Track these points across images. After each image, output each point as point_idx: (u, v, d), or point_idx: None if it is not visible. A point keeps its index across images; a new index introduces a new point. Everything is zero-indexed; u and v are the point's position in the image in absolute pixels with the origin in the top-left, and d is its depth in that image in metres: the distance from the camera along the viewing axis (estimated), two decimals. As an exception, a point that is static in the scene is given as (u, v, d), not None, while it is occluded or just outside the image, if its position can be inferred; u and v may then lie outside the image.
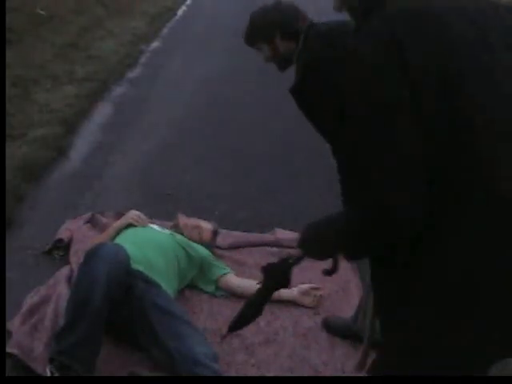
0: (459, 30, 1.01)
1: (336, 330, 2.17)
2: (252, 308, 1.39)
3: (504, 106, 1.00)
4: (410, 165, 0.94)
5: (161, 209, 3.03)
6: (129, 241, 2.25)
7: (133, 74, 5.95)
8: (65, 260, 2.52)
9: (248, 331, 2.17)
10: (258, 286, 1.36)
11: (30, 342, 1.97)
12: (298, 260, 1.31)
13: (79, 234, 2.68)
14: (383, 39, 0.98)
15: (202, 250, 2.46)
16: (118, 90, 5.33)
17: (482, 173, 0.96)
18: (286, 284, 1.33)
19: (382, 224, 0.97)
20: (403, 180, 0.94)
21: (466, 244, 0.98)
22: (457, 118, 0.96)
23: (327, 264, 1.33)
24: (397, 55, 0.96)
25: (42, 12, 7.32)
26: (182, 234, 2.52)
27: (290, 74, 1.96)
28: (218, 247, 2.71)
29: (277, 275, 1.33)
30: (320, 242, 1.18)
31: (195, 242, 2.49)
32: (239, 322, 1.43)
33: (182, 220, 2.62)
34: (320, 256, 1.24)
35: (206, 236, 2.56)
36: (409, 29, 0.98)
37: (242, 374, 1.97)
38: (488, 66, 1.00)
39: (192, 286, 2.42)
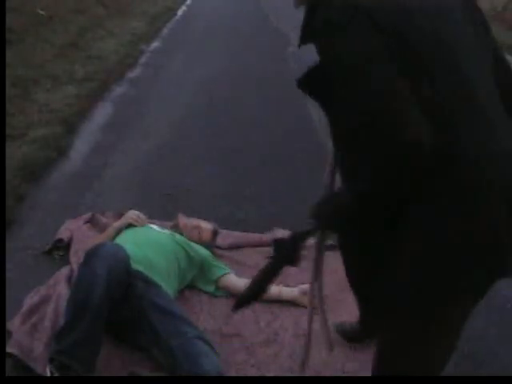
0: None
1: (351, 335, 2.15)
2: (258, 284, 1.37)
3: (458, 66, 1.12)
4: (407, 98, 1.02)
5: (161, 209, 3.03)
6: (129, 241, 2.25)
7: (133, 74, 5.95)
8: (65, 260, 2.52)
9: (248, 331, 2.18)
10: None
11: (30, 341, 1.97)
12: (309, 234, 1.29)
13: (79, 233, 2.67)
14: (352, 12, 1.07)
15: (202, 250, 2.46)
16: (118, 90, 5.34)
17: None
18: (294, 261, 1.31)
19: (399, 155, 1.01)
20: (405, 110, 1.01)
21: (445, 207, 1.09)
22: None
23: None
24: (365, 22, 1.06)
25: (42, 12, 7.32)
26: (182, 234, 2.52)
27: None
28: (218, 247, 2.71)
29: (286, 250, 1.31)
30: (334, 207, 1.22)
31: (195, 242, 2.49)
32: (246, 298, 1.41)
33: (182, 220, 2.62)
34: (333, 224, 1.26)
35: (206, 236, 2.56)
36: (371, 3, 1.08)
37: (242, 373, 1.97)
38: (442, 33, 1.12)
39: (192, 286, 2.42)
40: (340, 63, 1.07)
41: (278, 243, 1.32)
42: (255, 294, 1.40)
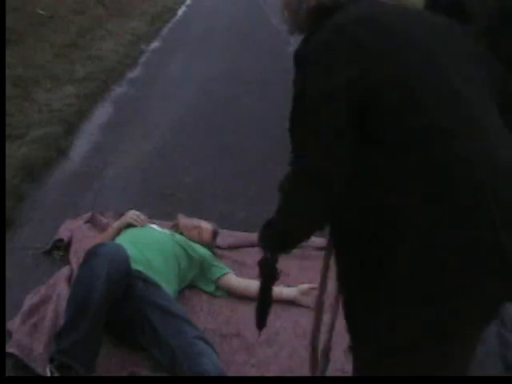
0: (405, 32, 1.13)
1: None
2: (261, 305, 1.47)
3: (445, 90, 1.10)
4: (334, 136, 1.08)
5: (161, 209, 3.03)
6: (128, 241, 2.25)
7: (133, 73, 5.95)
8: (65, 260, 2.51)
9: (248, 331, 2.17)
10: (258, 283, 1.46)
11: (30, 342, 1.97)
12: (272, 255, 1.42)
13: (79, 233, 2.67)
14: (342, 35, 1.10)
15: (202, 250, 2.46)
16: (118, 90, 5.34)
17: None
18: (275, 276, 1.45)
19: (310, 182, 1.14)
20: (326, 146, 1.09)
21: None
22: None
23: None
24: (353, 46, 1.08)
25: (42, 12, 7.33)
26: (182, 234, 2.52)
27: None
28: (218, 247, 2.70)
29: (265, 270, 1.45)
30: (269, 230, 1.33)
31: (195, 242, 2.49)
32: (260, 319, 1.48)
33: (182, 220, 2.62)
34: (274, 246, 1.39)
35: (206, 236, 2.56)
36: (364, 30, 1.10)
37: (242, 374, 1.97)
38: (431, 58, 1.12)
39: (192, 286, 2.42)
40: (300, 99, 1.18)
41: (262, 264, 1.46)
42: (263, 312, 1.47)
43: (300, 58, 1.16)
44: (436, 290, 1.03)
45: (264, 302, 1.45)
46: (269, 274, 1.42)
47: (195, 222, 2.61)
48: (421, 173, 1.03)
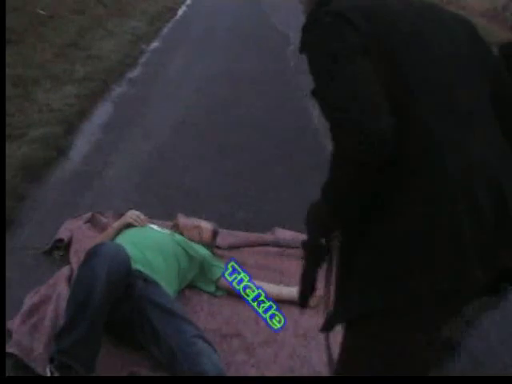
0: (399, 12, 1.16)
1: None
2: (305, 288, 1.38)
3: (434, 68, 1.13)
4: (376, 95, 1.02)
5: (161, 209, 3.03)
6: (128, 241, 2.25)
7: (133, 73, 5.95)
8: (65, 260, 2.51)
9: (248, 331, 2.18)
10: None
11: (30, 342, 1.97)
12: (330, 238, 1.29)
13: (79, 233, 2.67)
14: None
15: (202, 250, 2.46)
16: (118, 90, 5.33)
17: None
18: (323, 258, 1.32)
19: (360, 150, 1.00)
20: (374, 106, 1.01)
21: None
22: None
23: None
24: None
25: (42, 12, 7.33)
26: (182, 234, 2.51)
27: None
28: (218, 247, 2.70)
29: (319, 253, 1.32)
30: (315, 215, 1.22)
31: (195, 242, 2.49)
32: (303, 300, 1.41)
33: (182, 220, 2.62)
34: (318, 232, 1.25)
35: (206, 236, 2.56)
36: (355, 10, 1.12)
37: (242, 373, 1.97)
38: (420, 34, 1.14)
39: (192, 286, 2.42)
40: (318, 56, 1.10)
41: (311, 248, 1.31)
42: (306, 295, 1.40)
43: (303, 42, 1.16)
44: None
45: (308, 285, 1.37)
46: (317, 257, 1.31)
47: (195, 221, 2.61)
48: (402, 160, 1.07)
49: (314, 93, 1.12)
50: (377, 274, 1.10)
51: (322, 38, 1.10)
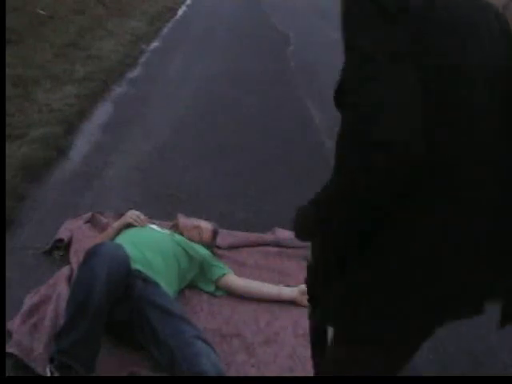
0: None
1: None
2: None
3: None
4: (409, 101, 0.91)
5: (161, 209, 3.03)
6: (128, 241, 2.25)
7: (133, 73, 5.95)
8: (65, 260, 2.51)
9: (248, 331, 2.18)
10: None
11: (30, 342, 1.97)
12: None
13: (79, 233, 2.67)
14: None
15: (202, 250, 2.46)
16: (118, 90, 5.33)
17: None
18: None
19: (384, 163, 0.89)
20: (403, 115, 0.90)
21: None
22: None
23: None
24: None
25: (42, 12, 7.33)
26: (182, 234, 2.52)
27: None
28: (218, 247, 2.71)
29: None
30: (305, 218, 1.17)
31: (195, 242, 2.49)
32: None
33: (182, 220, 2.62)
34: (306, 233, 1.22)
35: (206, 236, 2.56)
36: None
37: (242, 373, 1.97)
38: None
39: (192, 286, 2.42)
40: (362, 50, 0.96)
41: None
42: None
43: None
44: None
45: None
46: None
47: (195, 221, 2.61)
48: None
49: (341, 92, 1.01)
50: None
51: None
